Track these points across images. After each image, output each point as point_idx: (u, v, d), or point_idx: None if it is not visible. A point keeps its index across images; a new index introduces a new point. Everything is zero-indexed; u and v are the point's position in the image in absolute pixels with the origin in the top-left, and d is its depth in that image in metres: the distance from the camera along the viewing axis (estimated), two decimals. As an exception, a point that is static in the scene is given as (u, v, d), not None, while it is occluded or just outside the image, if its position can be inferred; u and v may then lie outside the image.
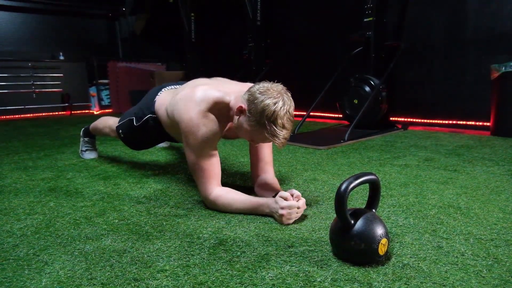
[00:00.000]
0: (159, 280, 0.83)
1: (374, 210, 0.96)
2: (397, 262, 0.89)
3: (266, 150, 1.43)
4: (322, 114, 4.15)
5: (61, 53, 5.64)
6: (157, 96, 1.58)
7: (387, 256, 0.91)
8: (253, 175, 1.47)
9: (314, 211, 1.26)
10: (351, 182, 0.87)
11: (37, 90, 5.30)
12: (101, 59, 5.78)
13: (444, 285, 0.79)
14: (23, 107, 5.19)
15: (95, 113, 5.68)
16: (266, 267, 0.88)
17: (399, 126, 3.18)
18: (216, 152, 1.30)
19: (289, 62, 4.49)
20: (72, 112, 5.51)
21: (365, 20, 3.08)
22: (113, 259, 0.94)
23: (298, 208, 1.15)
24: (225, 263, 0.90)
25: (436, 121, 3.24)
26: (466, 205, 1.28)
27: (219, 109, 1.24)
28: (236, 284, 0.81)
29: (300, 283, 0.81)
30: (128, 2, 6.34)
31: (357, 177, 0.90)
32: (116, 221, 1.21)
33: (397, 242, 1.00)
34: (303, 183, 1.62)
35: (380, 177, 1.66)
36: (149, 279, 0.84)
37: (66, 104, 5.51)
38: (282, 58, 4.53)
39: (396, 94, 3.41)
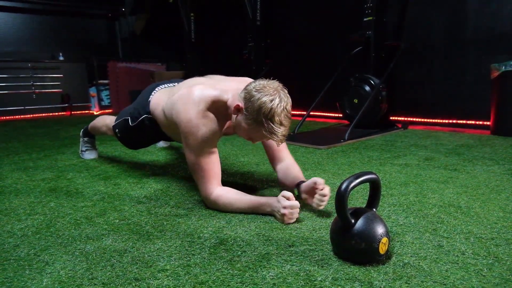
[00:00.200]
0: (160, 280, 0.83)
1: (374, 210, 0.96)
2: (397, 261, 0.89)
3: None
4: (322, 114, 4.15)
5: (61, 54, 5.64)
6: (151, 96, 1.57)
7: (388, 255, 0.92)
8: (273, 168, 1.49)
9: (314, 210, 1.26)
10: (351, 182, 0.88)
11: (37, 90, 5.31)
12: (101, 59, 5.78)
13: (445, 284, 0.79)
14: (23, 107, 5.19)
15: (95, 113, 5.68)
16: (267, 267, 0.88)
17: (399, 126, 3.18)
18: (216, 152, 1.30)
19: (289, 62, 4.49)
20: (72, 112, 5.51)
21: (365, 19, 3.09)
22: (114, 259, 0.94)
23: (324, 196, 1.19)
24: (225, 263, 0.90)
25: (436, 121, 3.24)
26: (466, 204, 1.28)
27: (218, 108, 1.24)
28: (237, 283, 0.81)
29: (301, 282, 0.81)
30: (128, 2, 6.34)
31: (358, 176, 0.90)
32: (117, 221, 1.21)
33: (398, 241, 1.00)
34: (304, 182, 1.62)
35: (381, 176, 1.66)
36: (150, 278, 0.84)
37: (66, 105, 5.51)
38: (282, 58, 4.53)
39: (396, 94, 3.41)
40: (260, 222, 1.16)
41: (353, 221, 0.88)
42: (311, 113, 3.44)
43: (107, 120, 1.94)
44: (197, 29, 5.36)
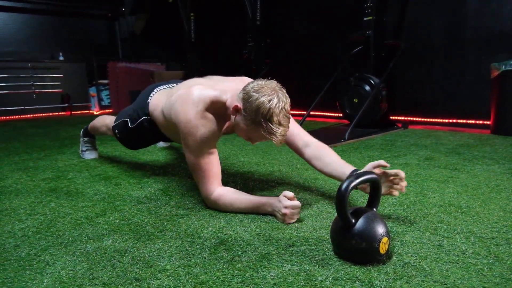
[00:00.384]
0: (160, 280, 0.83)
1: (375, 209, 0.96)
2: (398, 260, 0.89)
3: (291, 127, 1.28)
4: (322, 113, 4.15)
5: (61, 54, 5.64)
6: (150, 97, 1.57)
7: (388, 255, 0.92)
8: (300, 155, 1.40)
9: (315, 210, 1.26)
10: (352, 181, 0.88)
11: (37, 90, 5.31)
12: (101, 59, 5.78)
13: (445, 284, 0.79)
14: (23, 107, 5.19)
15: (95, 113, 5.68)
16: (267, 267, 0.88)
17: (399, 125, 3.18)
18: (216, 152, 1.30)
19: (289, 62, 4.49)
20: (72, 112, 5.51)
21: (365, 19, 3.08)
22: (115, 259, 0.94)
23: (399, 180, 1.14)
24: (226, 263, 0.90)
25: (436, 120, 3.24)
26: (466, 204, 1.28)
27: (217, 108, 1.24)
28: (237, 283, 0.81)
29: (301, 282, 0.81)
30: (128, 2, 6.34)
31: (358, 176, 0.90)
32: (117, 221, 1.21)
33: (398, 241, 1.00)
34: (304, 182, 1.62)
35: (381, 176, 1.66)
36: (150, 278, 0.84)
37: (66, 105, 5.52)
38: (282, 58, 4.53)
39: (396, 93, 3.41)
40: (260, 222, 1.17)
41: (353, 220, 0.88)
42: (311, 112, 3.44)
43: (106, 120, 1.94)
44: (197, 29, 5.36)
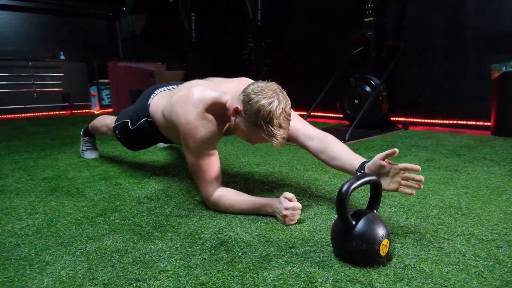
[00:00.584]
0: (160, 281, 0.83)
1: (375, 211, 0.96)
2: (398, 263, 0.89)
3: (294, 122, 1.28)
4: (323, 114, 4.15)
5: (61, 53, 5.65)
6: (150, 99, 1.57)
7: (388, 256, 0.91)
8: (305, 150, 1.40)
9: (315, 211, 1.26)
10: (352, 183, 0.87)
11: (37, 89, 5.31)
12: (101, 58, 5.78)
13: (446, 286, 0.79)
14: (23, 106, 5.20)
15: (96, 112, 5.69)
16: (268, 268, 0.88)
17: (400, 126, 3.18)
18: (216, 153, 1.30)
19: (289, 62, 4.49)
20: (73, 111, 5.51)
21: (365, 20, 3.09)
22: (115, 259, 0.94)
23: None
24: (226, 264, 0.90)
25: (436, 121, 3.24)
26: (467, 206, 1.28)
27: (217, 110, 1.24)
28: (237, 284, 0.81)
29: (301, 284, 0.81)
30: (128, 2, 6.34)
31: (359, 178, 0.90)
32: (118, 221, 1.21)
33: (398, 243, 1.00)
34: (304, 183, 1.62)
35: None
36: (150, 279, 0.84)
37: (67, 104, 5.52)
38: (282, 58, 4.53)
39: (396, 94, 3.41)
40: (260, 223, 1.17)
41: (354, 222, 0.88)
42: (312, 113, 3.45)
43: (106, 120, 1.94)
44: (197, 29, 5.36)
